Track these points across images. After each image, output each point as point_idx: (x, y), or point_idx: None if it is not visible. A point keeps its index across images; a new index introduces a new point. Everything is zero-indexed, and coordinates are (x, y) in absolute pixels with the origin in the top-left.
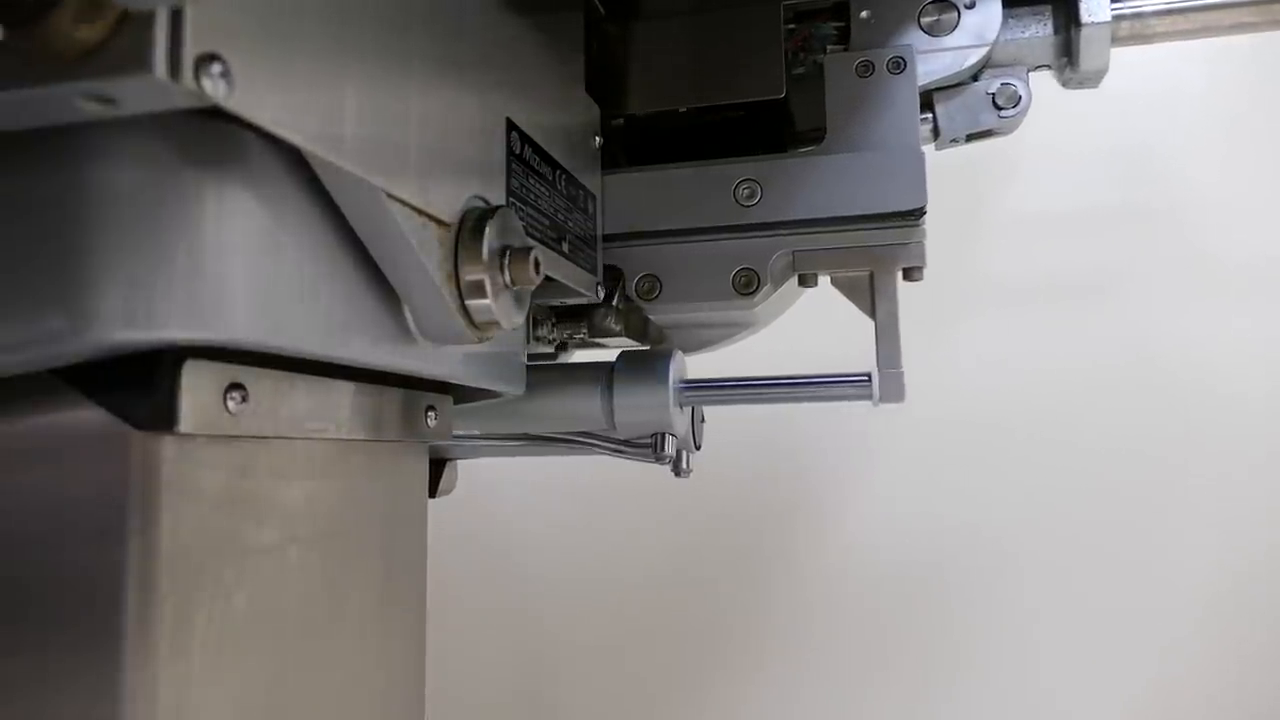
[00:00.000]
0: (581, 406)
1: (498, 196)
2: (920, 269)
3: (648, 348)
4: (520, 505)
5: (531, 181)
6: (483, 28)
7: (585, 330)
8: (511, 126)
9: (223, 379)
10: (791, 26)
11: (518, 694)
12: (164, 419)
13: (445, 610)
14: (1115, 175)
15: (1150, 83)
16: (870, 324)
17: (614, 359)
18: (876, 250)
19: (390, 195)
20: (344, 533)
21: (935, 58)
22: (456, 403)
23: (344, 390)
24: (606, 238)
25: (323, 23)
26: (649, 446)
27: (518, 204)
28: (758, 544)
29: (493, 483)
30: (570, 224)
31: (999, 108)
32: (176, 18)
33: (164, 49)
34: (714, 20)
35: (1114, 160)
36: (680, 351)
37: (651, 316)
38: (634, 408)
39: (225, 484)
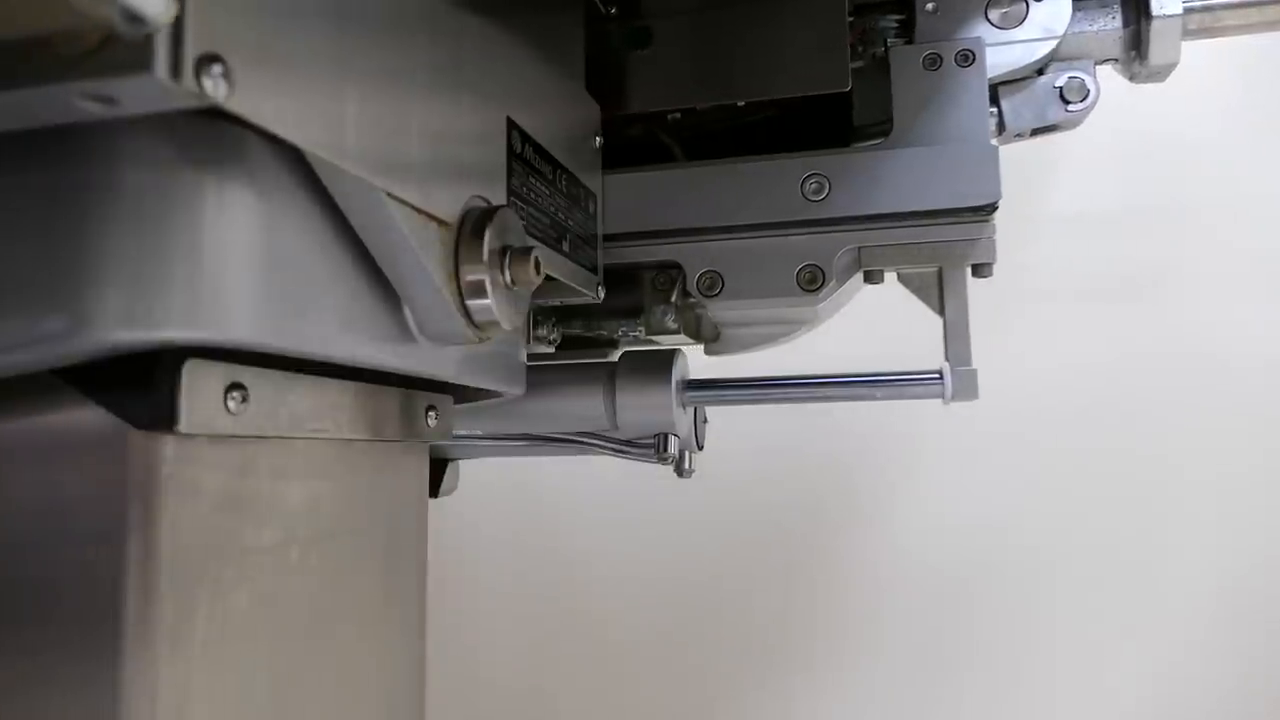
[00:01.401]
0: (584, 406)
1: (498, 196)
2: (990, 265)
3: (690, 345)
4: (562, 506)
5: (532, 181)
6: (483, 27)
7: (642, 328)
8: (512, 126)
9: (223, 379)
10: (850, 19)
11: (586, 693)
12: (164, 419)
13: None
14: (1153, 173)
15: (1189, 77)
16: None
17: (616, 359)
18: (946, 246)
19: (391, 195)
20: (344, 533)
21: (1003, 50)
22: (457, 403)
23: (344, 390)
24: (666, 233)
25: (323, 24)
26: (651, 447)
27: (518, 203)
28: (799, 545)
29: (538, 482)
30: (571, 223)
31: (1066, 101)
32: (177, 19)
33: (165, 49)
34: (775, 12)
35: (1151, 157)
36: (683, 352)
37: (711, 314)
38: (637, 408)
39: (225, 484)
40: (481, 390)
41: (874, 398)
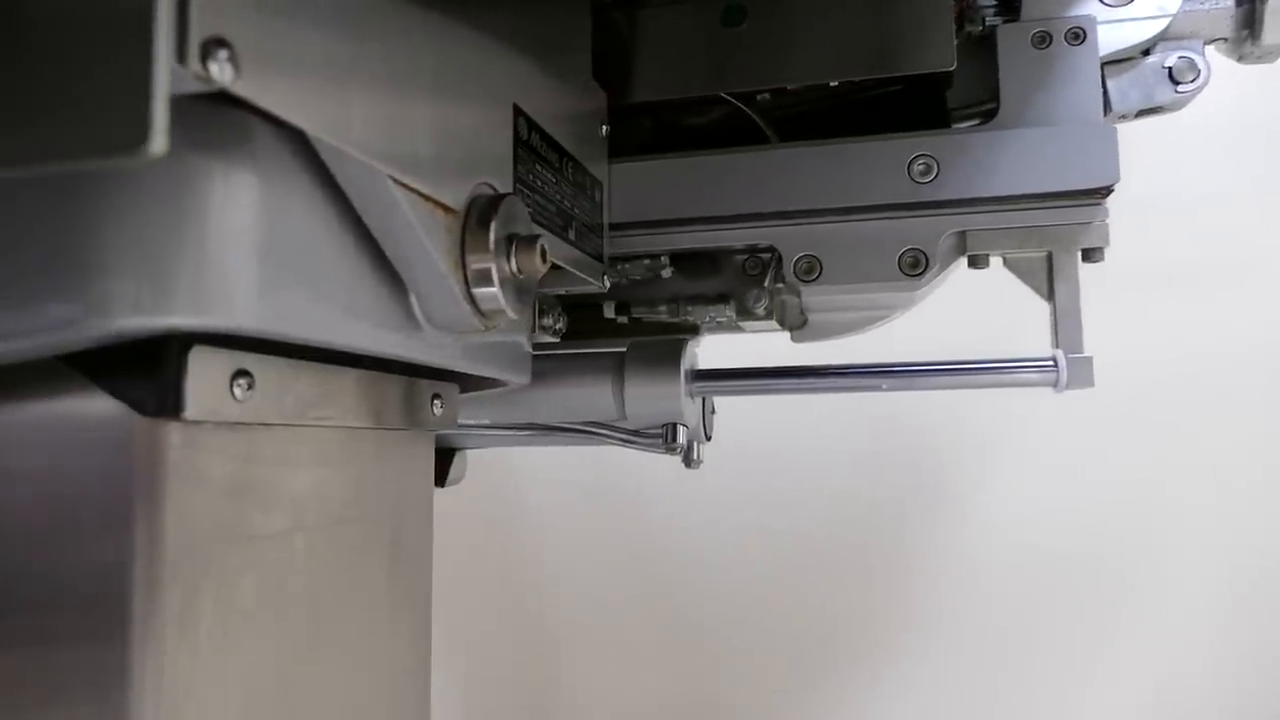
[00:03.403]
0: (592, 396)
1: (505, 183)
2: (1101, 250)
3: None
4: (664, 500)
5: (539, 168)
6: (489, 14)
7: (730, 314)
8: (519, 113)
9: (229, 366)
10: None
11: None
12: (170, 406)
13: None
14: (1240, 159)
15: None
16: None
17: (624, 349)
18: (1058, 229)
19: (397, 181)
20: (350, 520)
21: (1113, 29)
22: (462, 391)
23: (349, 378)
24: (760, 216)
25: (329, 8)
26: (659, 437)
27: (525, 191)
28: (893, 531)
29: (652, 481)
30: (577, 211)
31: (1175, 82)
32: (182, 2)
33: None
34: None
35: (1238, 140)
36: (691, 342)
37: (804, 299)
38: (645, 398)
39: (231, 471)
40: (487, 379)
41: (980, 385)
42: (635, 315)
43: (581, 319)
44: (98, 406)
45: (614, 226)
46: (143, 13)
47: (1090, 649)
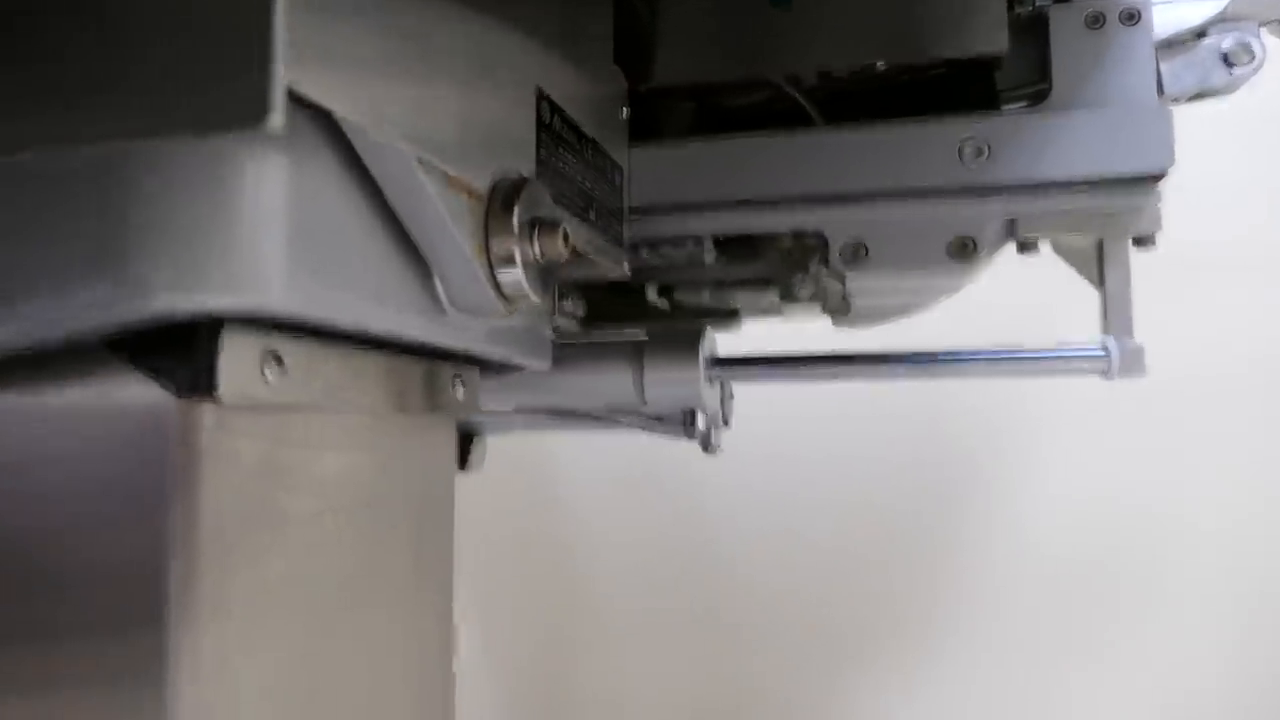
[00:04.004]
0: (613, 382)
1: (527, 166)
2: (1154, 236)
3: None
4: (696, 494)
5: (561, 151)
6: None
7: (774, 298)
8: (541, 96)
9: (260, 348)
10: None
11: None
12: (204, 386)
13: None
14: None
15: None
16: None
17: (644, 335)
18: (1109, 215)
19: (423, 163)
20: (375, 502)
21: (1167, 10)
22: (483, 376)
23: (373, 361)
24: (805, 200)
25: None
26: (679, 423)
27: (547, 174)
28: (922, 529)
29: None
30: (597, 194)
31: (1230, 65)
32: None
33: None
34: None
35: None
36: (710, 328)
37: (849, 284)
38: (665, 383)
39: (263, 452)
40: (508, 364)
41: (1027, 374)
42: (677, 299)
43: (611, 303)
44: (132, 390)
45: (659, 209)
46: (264, 8)
47: (1117, 651)
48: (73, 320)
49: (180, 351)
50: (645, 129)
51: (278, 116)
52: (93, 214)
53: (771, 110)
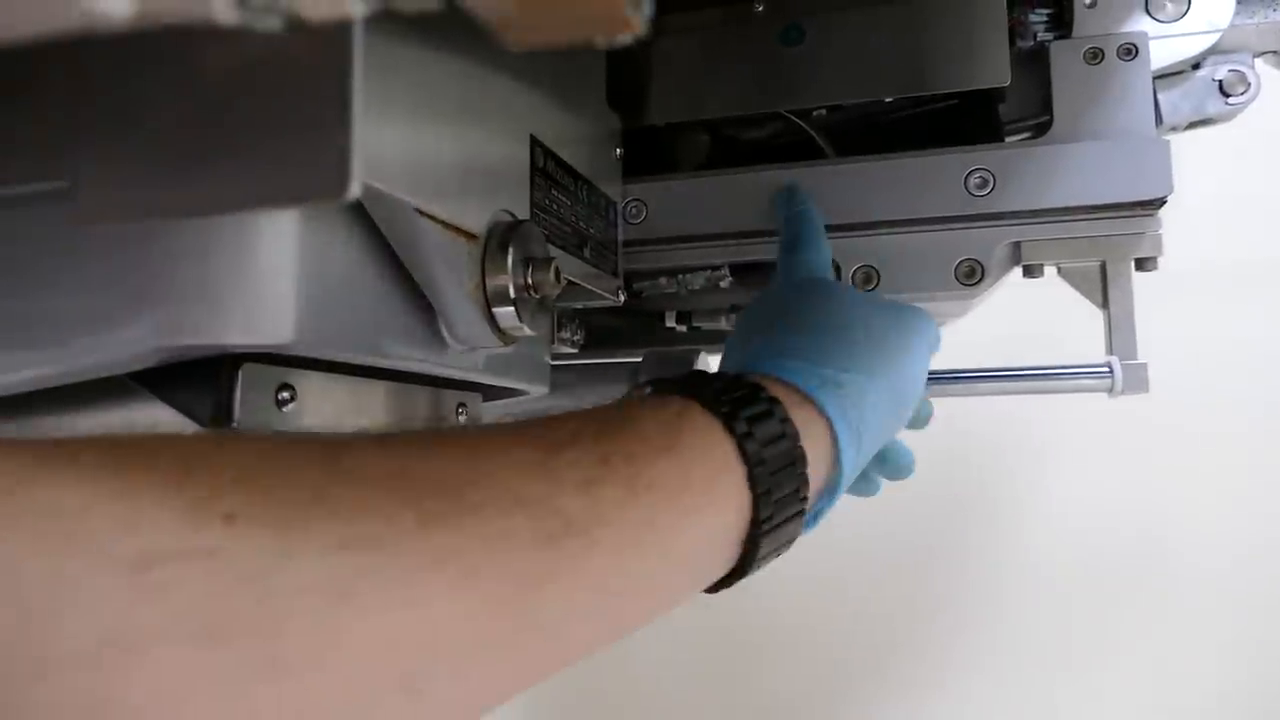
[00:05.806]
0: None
1: (522, 209)
2: (1155, 259)
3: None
4: None
5: (554, 193)
6: (508, 52)
7: None
8: (535, 143)
9: (275, 380)
10: None
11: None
12: (223, 414)
13: None
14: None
15: None
16: None
17: (639, 359)
18: (1112, 240)
19: (421, 212)
20: None
21: (1164, 44)
22: (485, 400)
23: (380, 389)
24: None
25: (366, 56)
26: None
27: (541, 215)
28: (932, 543)
29: None
30: (592, 230)
31: (1225, 95)
32: None
33: None
34: (930, 6)
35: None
36: (704, 351)
37: None
38: None
39: None
40: (508, 389)
41: (1035, 391)
42: (695, 324)
43: (631, 328)
44: (158, 417)
45: (673, 240)
46: (344, 93)
47: (1124, 664)
48: (112, 356)
49: (202, 384)
50: (663, 162)
51: (356, 187)
52: (134, 267)
53: (784, 143)
